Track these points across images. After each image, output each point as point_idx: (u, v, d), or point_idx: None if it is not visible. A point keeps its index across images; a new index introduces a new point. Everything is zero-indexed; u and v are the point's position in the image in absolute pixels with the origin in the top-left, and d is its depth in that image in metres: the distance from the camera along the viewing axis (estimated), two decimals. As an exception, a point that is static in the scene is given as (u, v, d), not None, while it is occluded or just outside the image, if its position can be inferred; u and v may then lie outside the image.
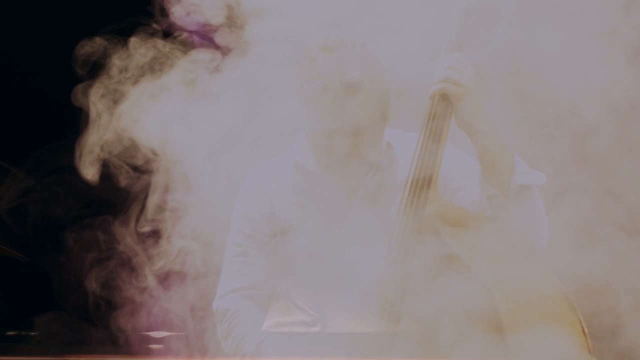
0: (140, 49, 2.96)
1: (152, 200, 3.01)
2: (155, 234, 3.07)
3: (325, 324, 2.79)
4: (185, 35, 2.99)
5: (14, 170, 4.11)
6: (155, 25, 2.99)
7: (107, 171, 3.05)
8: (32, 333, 3.90)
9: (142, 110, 2.90)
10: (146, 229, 3.07)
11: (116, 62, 2.98)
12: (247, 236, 2.91)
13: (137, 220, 3.07)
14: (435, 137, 2.59)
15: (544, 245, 2.67)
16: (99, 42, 3.02)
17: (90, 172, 2.99)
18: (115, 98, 2.95)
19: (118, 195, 3.16)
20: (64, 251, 3.79)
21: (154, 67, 2.94)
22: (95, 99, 2.96)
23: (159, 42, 2.95)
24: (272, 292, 2.88)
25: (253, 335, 2.82)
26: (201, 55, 2.94)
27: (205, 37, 2.98)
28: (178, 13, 2.97)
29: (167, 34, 3.00)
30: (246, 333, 2.83)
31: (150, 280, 3.12)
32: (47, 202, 3.99)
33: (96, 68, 3.02)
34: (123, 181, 3.06)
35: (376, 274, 2.54)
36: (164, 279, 3.22)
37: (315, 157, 2.87)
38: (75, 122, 3.07)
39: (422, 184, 2.57)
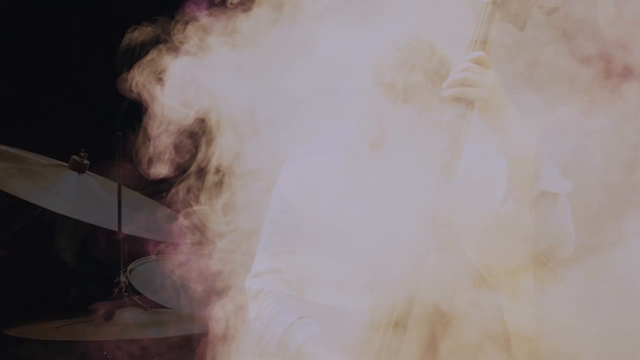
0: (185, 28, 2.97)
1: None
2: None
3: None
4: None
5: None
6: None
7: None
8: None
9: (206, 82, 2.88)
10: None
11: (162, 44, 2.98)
12: (284, 214, 2.89)
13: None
14: (452, 140, 2.52)
15: (566, 257, 2.58)
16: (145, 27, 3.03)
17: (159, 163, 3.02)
18: (162, 77, 2.92)
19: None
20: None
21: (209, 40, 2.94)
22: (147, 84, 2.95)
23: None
24: (306, 276, 2.85)
25: (284, 317, 2.82)
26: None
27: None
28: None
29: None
30: (277, 314, 2.83)
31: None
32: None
33: (136, 54, 3.01)
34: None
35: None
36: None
37: (367, 145, 2.82)
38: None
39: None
